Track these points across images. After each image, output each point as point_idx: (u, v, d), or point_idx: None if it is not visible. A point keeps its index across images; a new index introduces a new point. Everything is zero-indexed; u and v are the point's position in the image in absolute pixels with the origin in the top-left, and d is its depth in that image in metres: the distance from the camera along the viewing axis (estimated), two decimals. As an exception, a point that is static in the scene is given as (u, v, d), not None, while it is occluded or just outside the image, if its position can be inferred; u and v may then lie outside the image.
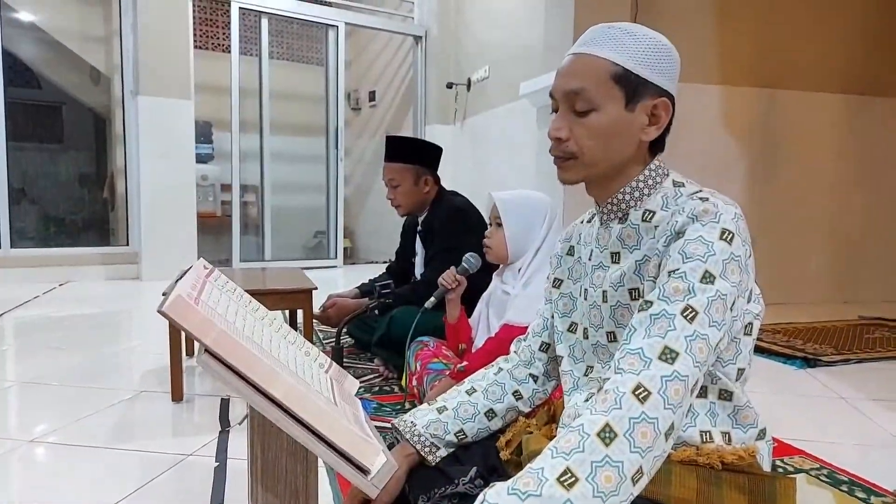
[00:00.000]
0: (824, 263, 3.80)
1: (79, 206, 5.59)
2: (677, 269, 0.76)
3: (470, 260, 1.71)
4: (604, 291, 0.90)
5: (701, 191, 0.84)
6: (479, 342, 1.68)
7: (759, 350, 2.55)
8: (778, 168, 3.65)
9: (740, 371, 0.85)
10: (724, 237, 0.77)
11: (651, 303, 0.76)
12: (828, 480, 1.35)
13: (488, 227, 1.69)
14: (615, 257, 0.90)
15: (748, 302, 0.84)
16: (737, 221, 0.79)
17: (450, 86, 5.47)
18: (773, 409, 1.87)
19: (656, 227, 0.84)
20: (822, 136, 3.71)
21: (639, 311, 0.77)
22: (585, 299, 0.95)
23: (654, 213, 0.85)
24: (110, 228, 5.28)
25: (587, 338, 0.94)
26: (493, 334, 1.61)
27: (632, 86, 0.83)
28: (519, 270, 1.62)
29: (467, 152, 5.34)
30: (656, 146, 0.89)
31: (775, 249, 3.59)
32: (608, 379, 0.73)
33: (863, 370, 2.30)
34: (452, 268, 1.71)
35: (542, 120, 3.38)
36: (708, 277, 0.75)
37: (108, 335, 2.87)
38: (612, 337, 0.90)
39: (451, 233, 2.10)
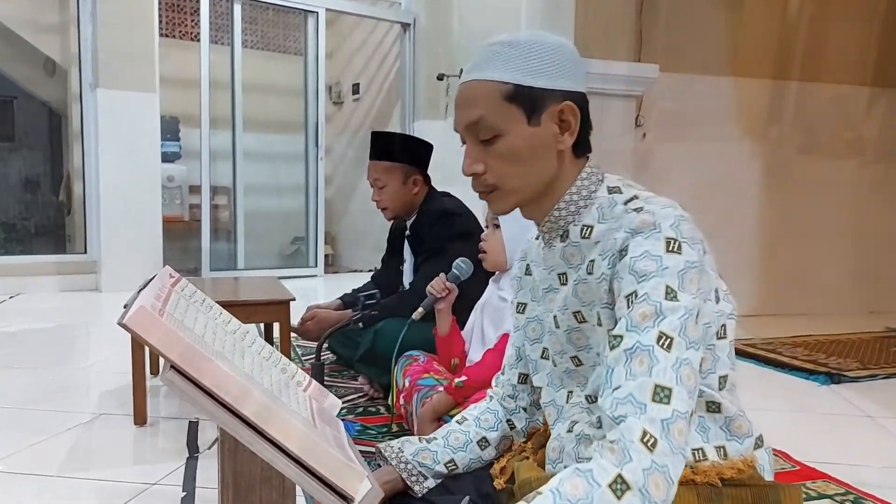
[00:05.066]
0: (847, 271, 3.83)
1: (31, 211, 5.55)
2: (636, 293, 0.78)
3: (461, 266, 1.71)
4: (554, 315, 0.92)
5: (636, 197, 0.85)
6: (473, 355, 1.68)
7: (778, 365, 2.56)
8: (795, 167, 3.68)
9: (723, 379, 0.87)
10: (672, 248, 0.78)
11: (621, 337, 0.77)
12: (854, 506, 1.36)
13: (484, 230, 1.69)
14: (563, 278, 0.92)
15: (717, 302, 0.86)
16: (678, 226, 0.80)
17: (440, 77, 5.49)
18: (793, 429, 1.88)
19: (596, 242, 0.86)
20: (842, 132, 3.75)
21: (610, 347, 0.79)
22: (542, 325, 0.98)
23: (592, 227, 0.87)
24: (66, 235, 5.25)
25: (556, 365, 0.96)
26: (488, 346, 1.61)
27: (528, 100, 0.85)
28: (517, 275, 1.62)
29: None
30: (581, 149, 0.91)
31: (794, 256, 3.62)
32: (606, 430, 0.74)
33: (891, 386, 2.32)
34: (442, 275, 1.71)
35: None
36: (670, 293, 0.77)
37: (64, 352, 2.84)
38: (577, 361, 0.92)
39: (441, 237, 2.10)
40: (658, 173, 3.36)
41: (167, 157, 5.49)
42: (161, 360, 1.30)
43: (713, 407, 0.85)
